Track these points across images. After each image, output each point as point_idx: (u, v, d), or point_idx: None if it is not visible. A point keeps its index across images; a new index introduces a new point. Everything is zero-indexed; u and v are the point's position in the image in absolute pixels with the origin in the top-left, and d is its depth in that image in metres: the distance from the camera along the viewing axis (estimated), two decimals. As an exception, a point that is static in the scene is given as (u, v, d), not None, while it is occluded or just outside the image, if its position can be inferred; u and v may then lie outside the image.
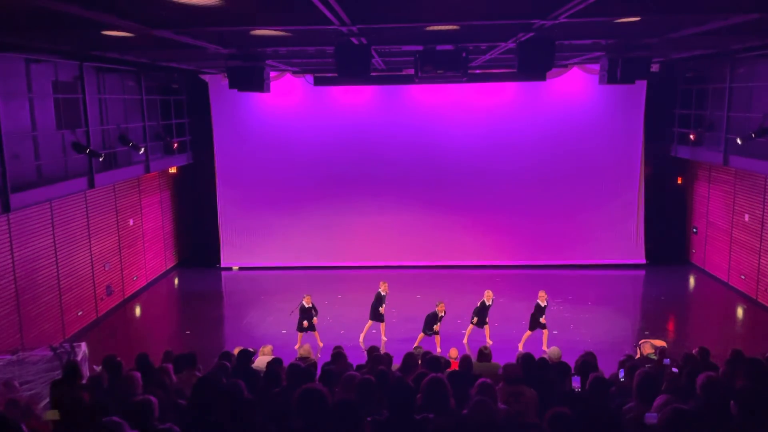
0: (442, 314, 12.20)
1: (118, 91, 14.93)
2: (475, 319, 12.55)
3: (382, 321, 12.87)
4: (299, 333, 12.65)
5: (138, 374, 5.90)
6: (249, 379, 6.14)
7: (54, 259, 13.02)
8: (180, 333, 14.39)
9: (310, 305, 12.63)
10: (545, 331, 12.34)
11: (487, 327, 12.74)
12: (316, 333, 12.71)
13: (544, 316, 12.26)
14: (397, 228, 18.43)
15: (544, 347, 11.97)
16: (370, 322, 12.83)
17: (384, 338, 12.92)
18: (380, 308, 12.72)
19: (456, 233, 18.36)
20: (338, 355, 8.07)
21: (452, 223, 18.34)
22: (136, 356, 7.40)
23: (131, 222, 16.49)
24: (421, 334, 12.36)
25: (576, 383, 6.57)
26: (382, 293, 12.81)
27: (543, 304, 12.30)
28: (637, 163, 18.04)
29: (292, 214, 18.53)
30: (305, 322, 12.53)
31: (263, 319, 14.59)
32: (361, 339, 12.74)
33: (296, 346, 12.42)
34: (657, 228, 18.45)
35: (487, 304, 12.58)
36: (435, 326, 12.17)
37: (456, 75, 9.57)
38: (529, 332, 12.36)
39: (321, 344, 12.64)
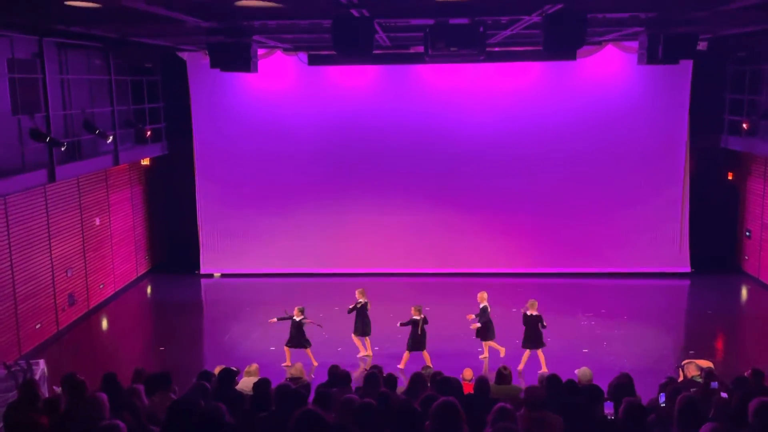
0: (418, 318, 12.25)
1: (83, 71, 14.97)
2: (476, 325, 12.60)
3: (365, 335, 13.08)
4: (287, 348, 12.70)
5: (104, 396, 5.91)
6: (232, 402, 6.15)
7: (9, 263, 13.07)
8: (153, 349, 14.41)
9: (300, 318, 12.67)
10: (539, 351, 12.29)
11: (492, 344, 12.77)
12: (308, 350, 12.73)
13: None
14: (404, 230, 18.44)
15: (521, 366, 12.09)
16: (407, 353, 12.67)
17: (368, 353, 13.08)
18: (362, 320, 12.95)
19: (471, 237, 18.36)
20: (335, 375, 8.07)
21: (466, 224, 18.34)
22: (103, 376, 7.41)
23: (97, 221, 16.53)
24: (407, 353, 12.41)
25: (609, 409, 6.58)
26: (362, 301, 12.95)
27: (531, 312, 12.22)
28: (681, 156, 18.00)
29: (282, 214, 18.56)
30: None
31: (248, 334, 14.60)
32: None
33: (284, 364, 12.48)
34: (704, 231, 18.41)
35: (482, 306, 12.67)
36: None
37: (472, 53, 9.58)
38: (528, 352, 12.32)
39: (315, 363, 12.66)
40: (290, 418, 4.59)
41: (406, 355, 12.46)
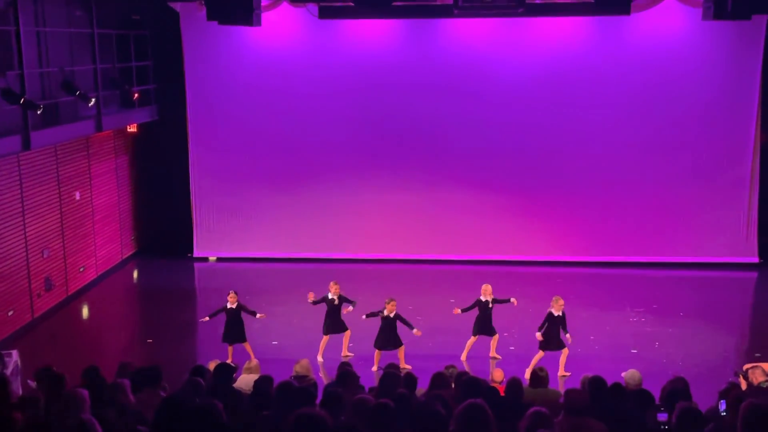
0: (389, 315, 12.34)
1: (62, 23, 15.00)
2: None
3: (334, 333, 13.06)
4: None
5: (85, 392, 5.98)
6: (229, 401, 6.20)
7: (-22, 241, 13.22)
8: (140, 341, 14.54)
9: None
10: (564, 351, 12.26)
11: (495, 337, 12.87)
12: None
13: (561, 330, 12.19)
14: (427, 211, 18.41)
15: (561, 371, 12.04)
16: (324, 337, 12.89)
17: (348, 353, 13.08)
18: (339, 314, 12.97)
19: (505, 219, 18.30)
20: (346, 374, 8.12)
21: (500, 205, 18.27)
22: (84, 369, 7.51)
23: (78, 196, 16.65)
24: (378, 352, 12.51)
25: (663, 418, 6.55)
26: (331, 296, 12.97)
27: (557, 313, 12.17)
28: (750, 128, 17.77)
29: (287, 191, 18.60)
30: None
31: (248, 325, 14.46)
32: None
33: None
34: (775, 216, 18.22)
35: (483, 299, 12.72)
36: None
37: (510, 5, 9.51)
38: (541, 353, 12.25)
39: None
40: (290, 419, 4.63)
41: (377, 354, 12.54)
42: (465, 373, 8.58)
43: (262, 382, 6.96)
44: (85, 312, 16.38)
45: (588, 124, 17.89)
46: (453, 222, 18.39)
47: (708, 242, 18.08)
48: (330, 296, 12.94)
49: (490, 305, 12.75)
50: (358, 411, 5.51)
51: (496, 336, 12.88)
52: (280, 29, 17.93)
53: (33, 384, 8.04)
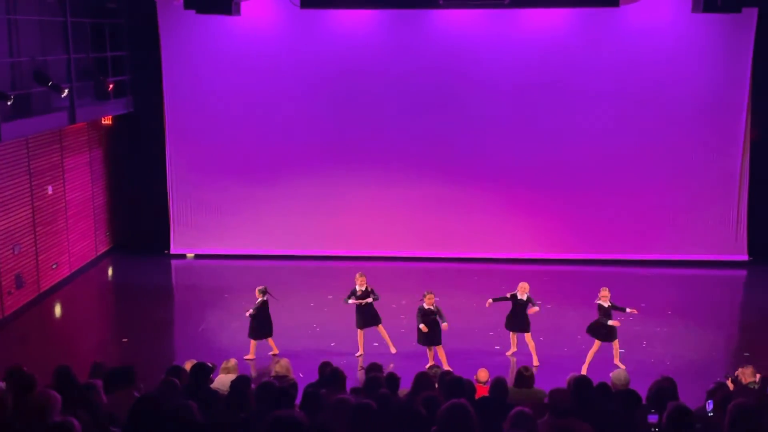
0: (431, 308, 12.33)
1: (33, 11, 14.87)
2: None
3: (367, 326, 13.12)
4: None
5: (56, 393, 5.93)
6: (205, 402, 6.19)
7: (-54, 237, 13.10)
8: (114, 340, 14.47)
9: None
10: (614, 343, 12.58)
11: (528, 336, 12.88)
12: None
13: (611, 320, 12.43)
14: (412, 207, 18.43)
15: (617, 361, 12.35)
16: (359, 331, 12.99)
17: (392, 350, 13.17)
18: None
19: (492, 216, 18.36)
20: (329, 373, 8.11)
21: (487, 202, 18.33)
22: (55, 369, 7.45)
23: (50, 190, 16.54)
24: (429, 350, 12.50)
25: (653, 419, 6.59)
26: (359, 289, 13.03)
27: (606, 305, 12.45)
28: (740, 122, 17.90)
29: (268, 186, 18.56)
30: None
31: (226, 325, 14.66)
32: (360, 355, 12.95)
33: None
34: (765, 213, 18.35)
35: (520, 298, 12.76)
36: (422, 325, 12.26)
37: (495, -4, 9.51)
38: (598, 343, 12.58)
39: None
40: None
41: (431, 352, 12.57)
42: (448, 372, 8.61)
43: (239, 383, 6.93)
44: (57, 310, 16.28)
45: (576, 119, 17.96)
46: (437, 219, 18.41)
47: (697, 240, 18.21)
48: (359, 289, 12.94)
49: (525, 303, 12.80)
50: (338, 411, 5.51)
51: (528, 335, 12.87)
52: (261, 19, 17.87)
53: (1, 384, 7.96)
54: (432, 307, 12.32)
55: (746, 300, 17.16)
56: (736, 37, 17.43)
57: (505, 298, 12.91)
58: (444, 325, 12.30)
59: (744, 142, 17.99)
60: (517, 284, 12.98)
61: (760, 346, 13.79)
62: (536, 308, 12.84)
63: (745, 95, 17.76)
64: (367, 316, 12.99)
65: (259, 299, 12.91)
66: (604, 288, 12.74)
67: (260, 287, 13.05)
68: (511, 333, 13.12)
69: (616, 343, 12.61)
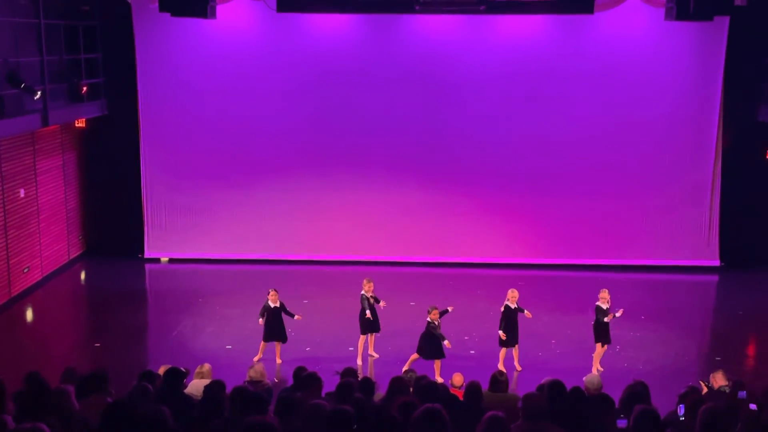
0: (436, 323, 12.26)
1: (5, 12, 14.72)
2: (503, 334, 12.56)
3: (370, 332, 13.05)
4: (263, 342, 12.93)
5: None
6: (179, 407, 6.15)
7: None
8: (87, 345, 14.34)
9: (278, 304, 12.88)
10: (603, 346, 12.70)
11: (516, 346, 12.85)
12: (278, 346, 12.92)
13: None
14: (388, 211, 18.47)
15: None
16: (362, 336, 13.00)
17: (374, 354, 13.13)
18: (365, 315, 12.90)
19: (466, 221, 18.43)
20: (304, 378, 8.08)
21: (459, 207, 18.39)
22: (25, 375, 7.38)
23: (22, 193, 16.37)
24: (414, 355, 12.44)
25: (622, 424, 6.64)
26: (366, 295, 12.97)
27: (605, 306, 12.55)
28: (712, 130, 18.13)
29: (243, 189, 18.49)
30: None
31: (201, 329, 14.60)
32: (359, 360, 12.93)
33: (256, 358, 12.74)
34: (737, 219, 18.58)
35: (512, 307, 12.67)
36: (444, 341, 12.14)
37: (471, 3, 9.57)
38: (600, 347, 12.65)
39: (279, 360, 12.86)
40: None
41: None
42: (423, 377, 8.61)
43: (213, 388, 6.90)
44: (29, 315, 16.10)
45: (550, 125, 18.07)
46: (414, 223, 18.46)
47: (670, 245, 18.40)
48: (364, 294, 12.91)
49: (517, 312, 12.63)
50: (313, 417, 5.50)
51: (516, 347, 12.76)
52: (237, 22, 17.82)
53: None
54: (436, 322, 12.23)
55: (718, 305, 17.34)
56: (708, 45, 17.66)
57: (505, 315, 12.62)
58: (446, 343, 12.14)
59: (716, 150, 18.21)
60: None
61: (731, 351, 13.97)
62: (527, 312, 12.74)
63: (716, 102, 17.99)
64: (373, 322, 12.91)
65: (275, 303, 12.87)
66: (604, 290, 12.73)
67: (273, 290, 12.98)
68: (503, 350, 12.67)
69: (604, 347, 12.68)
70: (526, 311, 12.67)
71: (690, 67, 17.87)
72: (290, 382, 9.21)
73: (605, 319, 12.48)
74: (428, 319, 12.22)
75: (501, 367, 12.40)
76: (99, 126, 18.67)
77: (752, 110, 18.05)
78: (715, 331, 15.68)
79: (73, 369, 8.46)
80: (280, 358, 12.94)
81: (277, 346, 12.96)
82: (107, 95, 18.38)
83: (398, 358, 12.71)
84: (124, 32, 17.98)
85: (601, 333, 12.61)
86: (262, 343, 12.93)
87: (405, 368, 11.92)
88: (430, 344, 12.19)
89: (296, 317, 12.99)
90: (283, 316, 12.92)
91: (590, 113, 18.01)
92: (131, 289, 17.51)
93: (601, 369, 12.48)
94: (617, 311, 12.64)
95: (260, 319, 12.88)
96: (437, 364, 12.26)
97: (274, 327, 12.86)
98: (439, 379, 11.61)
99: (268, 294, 12.88)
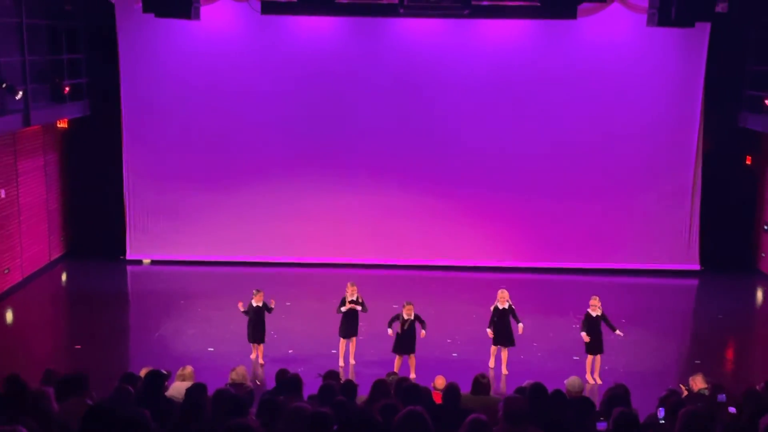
0: (409, 318, 12.37)
1: (-13, 12, 14.63)
2: (490, 332, 12.69)
3: (345, 337, 13.01)
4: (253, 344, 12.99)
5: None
6: (160, 410, 6.11)
7: None
8: (67, 347, 14.25)
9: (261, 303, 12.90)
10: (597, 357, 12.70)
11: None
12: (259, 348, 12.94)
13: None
14: (371, 214, 18.47)
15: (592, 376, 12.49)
16: (342, 340, 13.00)
17: (352, 361, 13.10)
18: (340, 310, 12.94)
19: (448, 223, 18.45)
20: (286, 381, 8.07)
21: (442, 211, 18.42)
22: (5, 377, 7.32)
23: (2, 194, 16.26)
24: (398, 357, 12.46)
25: (602, 427, 6.67)
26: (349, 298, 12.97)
27: (594, 314, 12.57)
28: (693, 136, 18.26)
29: (227, 191, 18.44)
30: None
31: (183, 331, 14.54)
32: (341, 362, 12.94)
33: (252, 356, 12.88)
34: (716, 224, 18.72)
35: (501, 308, 12.71)
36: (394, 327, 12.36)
37: (455, 7, 9.60)
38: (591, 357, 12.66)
39: (261, 362, 12.90)
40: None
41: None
42: (405, 379, 8.61)
43: (194, 390, 6.86)
44: (9, 316, 15.95)
45: (532, 128, 18.15)
46: (396, 226, 18.46)
47: (650, 249, 18.50)
48: (349, 298, 12.88)
49: (506, 312, 12.67)
50: (294, 420, 5.48)
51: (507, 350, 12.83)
52: (221, 24, 17.79)
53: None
54: (405, 316, 12.34)
55: (697, 309, 17.47)
56: (689, 51, 17.80)
57: (493, 317, 12.71)
58: (422, 333, 12.36)
59: (696, 155, 18.34)
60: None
61: (710, 354, 14.08)
62: (520, 325, 12.73)
63: (697, 108, 18.12)
64: (352, 326, 12.91)
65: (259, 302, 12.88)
66: (594, 297, 12.73)
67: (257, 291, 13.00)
68: (493, 347, 12.82)
69: (598, 358, 12.64)
70: (520, 325, 12.69)
71: (671, 73, 18.00)
72: (272, 384, 9.18)
73: (582, 333, 12.50)
74: (403, 313, 12.36)
75: (491, 363, 12.70)
76: (81, 127, 18.59)
77: (733, 116, 18.22)
78: (695, 334, 15.79)
79: (53, 371, 8.40)
80: (262, 360, 12.93)
81: (258, 348, 12.96)
82: (90, 96, 18.31)
83: (381, 360, 12.69)
84: (107, 33, 17.90)
85: (589, 343, 12.55)
86: (252, 344, 13.00)
87: (395, 371, 12.03)
88: (405, 339, 12.35)
89: (271, 303, 12.99)
90: (266, 316, 12.91)
91: (572, 118, 18.09)
92: (113, 291, 17.41)
93: (600, 382, 12.38)
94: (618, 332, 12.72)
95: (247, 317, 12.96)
96: (411, 360, 12.37)
97: (256, 328, 12.86)
98: (412, 375, 11.87)
99: (253, 295, 12.88)
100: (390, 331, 12.42)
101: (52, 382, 7.83)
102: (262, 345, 13.00)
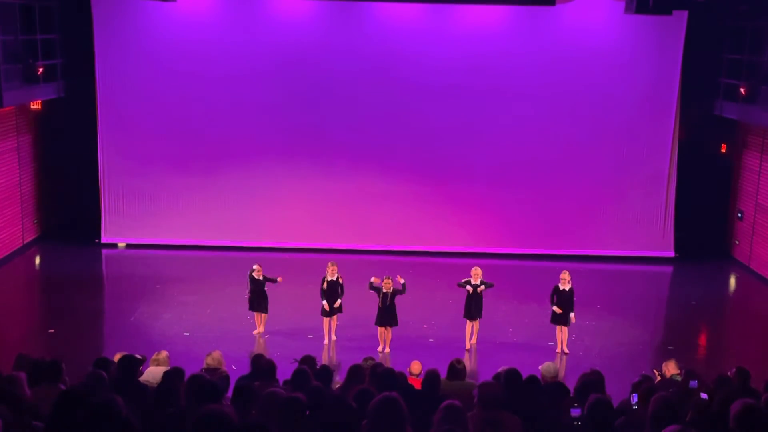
0: (388, 291, 12.67)
1: (-42, -10, 14.38)
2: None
3: (330, 315, 13.19)
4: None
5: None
6: (134, 395, 6.07)
7: None
8: (40, 331, 14.13)
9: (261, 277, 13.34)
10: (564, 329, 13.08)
11: (476, 323, 13.09)
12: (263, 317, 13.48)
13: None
14: (349, 199, 18.45)
15: (561, 347, 12.99)
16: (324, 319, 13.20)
17: (333, 337, 13.30)
18: (325, 301, 13.09)
19: (426, 209, 18.48)
20: (261, 365, 8.04)
21: (421, 195, 18.44)
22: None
23: (-25, 176, 16.06)
24: (381, 329, 12.82)
25: (576, 413, 6.70)
26: (329, 278, 13.08)
27: (564, 287, 12.90)
28: (669, 123, 18.38)
29: (203, 174, 18.33)
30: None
31: (158, 316, 14.47)
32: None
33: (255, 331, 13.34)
34: (690, 211, 18.90)
35: (473, 283, 12.95)
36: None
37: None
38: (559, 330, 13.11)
39: (261, 329, 13.35)
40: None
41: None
42: (380, 365, 8.61)
43: (169, 376, 6.82)
44: (-19, 300, 15.82)
45: (510, 115, 18.18)
46: (372, 211, 18.47)
47: (626, 236, 18.65)
48: (329, 277, 13.17)
49: (479, 290, 12.96)
50: (268, 405, 5.46)
51: (477, 323, 13.11)
52: (198, 6, 17.62)
53: None
54: (384, 290, 12.67)
55: (672, 295, 17.65)
56: (666, 39, 17.87)
57: (463, 285, 13.05)
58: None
59: (672, 143, 18.47)
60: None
61: (683, 341, 14.24)
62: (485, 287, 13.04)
63: (674, 96, 18.23)
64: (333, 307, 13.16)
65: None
66: (565, 271, 13.14)
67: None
68: (468, 322, 13.12)
69: (565, 330, 13.08)
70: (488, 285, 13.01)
71: (648, 61, 18.07)
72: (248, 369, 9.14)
73: (554, 308, 12.93)
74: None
75: (467, 342, 13.05)
76: (55, 108, 18.42)
77: (709, 104, 18.37)
78: (669, 320, 15.96)
79: (25, 355, 8.31)
80: (263, 328, 13.44)
81: (261, 317, 13.44)
82: (64, 77, 18.11)
83: (361, 345, 12.72)
84: (82, 13, 17.69)
85: (556, 314, 12.97)
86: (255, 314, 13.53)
87: (380, 349, 12.45)
88: (387, 312, 12.68)
89: (278, 279, 13.52)
90: (267, 287, 13.42)
91: (548, 105, 18.13)
92: (87, 275, 17.31)
93: (567, 351, 12.97)
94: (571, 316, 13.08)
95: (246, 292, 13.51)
96: (388, 334, 12.76)
97: (258, 298, 13.38)
98: (387, 349, 12.49)
99: (253, 269, 13.43)
100: (373, 279, 12.83)
101: (24, 366, 7.75)
102: (264, 314, 13.45)
